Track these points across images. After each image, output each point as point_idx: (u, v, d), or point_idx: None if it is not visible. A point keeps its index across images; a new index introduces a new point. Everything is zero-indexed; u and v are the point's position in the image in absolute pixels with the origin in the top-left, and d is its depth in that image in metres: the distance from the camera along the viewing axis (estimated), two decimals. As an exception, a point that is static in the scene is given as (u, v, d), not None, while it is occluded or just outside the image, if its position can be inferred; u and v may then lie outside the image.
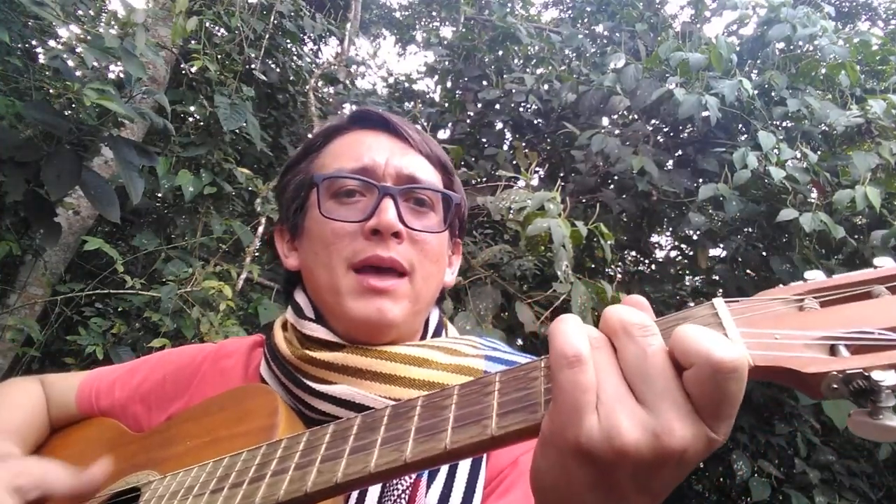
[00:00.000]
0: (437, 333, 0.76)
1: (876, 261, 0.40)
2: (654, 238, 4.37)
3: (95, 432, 0.80)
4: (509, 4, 4.79)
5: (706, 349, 0.34)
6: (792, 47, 3.43)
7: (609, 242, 2.41)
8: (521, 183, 2.87)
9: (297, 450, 0.50)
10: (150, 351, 2.40)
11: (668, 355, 0.36)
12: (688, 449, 0.34)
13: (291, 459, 0.49)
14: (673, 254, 4.38)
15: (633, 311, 0.38)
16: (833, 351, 0.35)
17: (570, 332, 0.38)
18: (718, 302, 0.40)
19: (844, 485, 2.97)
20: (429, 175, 0.72)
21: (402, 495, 0.59)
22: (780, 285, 0.42)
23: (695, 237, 3.73)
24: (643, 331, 0.37)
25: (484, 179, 3.72)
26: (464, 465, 0.62)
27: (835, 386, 0.34)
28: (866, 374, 0.33)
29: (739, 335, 0.37)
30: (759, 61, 3.74)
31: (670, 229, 4.09)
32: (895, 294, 0.37)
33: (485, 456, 0.63)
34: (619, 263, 4.35)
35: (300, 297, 0.73)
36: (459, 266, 0.84)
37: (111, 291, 2.53)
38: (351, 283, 0.66)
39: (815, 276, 0.41)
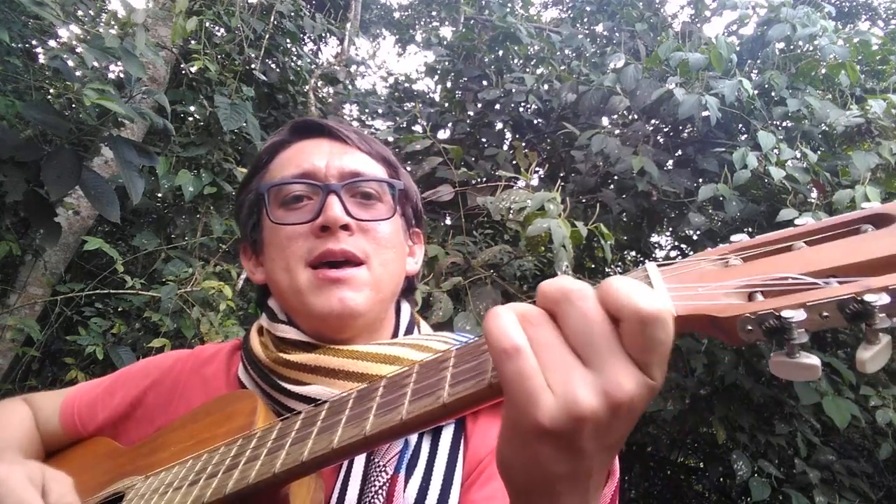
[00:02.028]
0: (409, 330, 0.77)
1: (797, 220, 0.42)
2: (654, 238, 4.37)
3: (88, 450, 0.82)
4: (509, 4, 4.79)
5: (633, 301, 0.36)
6: (792, 47, 3.43)
7: (609, 242, 2.41)
8: (521, 183, 2.87)
9: (270, 438, 0.52)
10: (150, 351, 2.40)
11: (606, 314, 0.37)
12: (633, 398, 0.36)
13: (264, 447, 0.52)
14: (673, 254, 4.37)
15: (568, 280, 0.39)
16: (751, 298, 0.37)
17: (503, 324, 0.38)
18: (650, 265, 0.42)
19: (844, 485, 2.97)
20: (371, 169, 0.75)
21: (380, 491, 0.60)
22: (708, 248, 0.44)
23: (695, 237, 3.73)
24: (581, 294, 0.38)
25: (484, 179, 3.72)
26: (441, 458, 0.64)
27: (749, 328, 0.35)
28: (777, 313, 0.34)
29: (666, 290, 0.39)
30: (759, 61, 3.74)
31: (670, 229, 4.09)
32: (812, 246, 0.39)
33: (461, 448, 0.65)
34: (619, 263, 4.35)
35: (273, 303, 0.75)
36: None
37: (111, 291, 2.52)
38: (309, 278, 0.68)
39: (741, 238, 0.43)
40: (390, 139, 3.61)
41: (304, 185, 0.71)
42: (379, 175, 0.75)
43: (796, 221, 0.42)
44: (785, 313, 0.34)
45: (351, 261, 0.68)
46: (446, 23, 6.65)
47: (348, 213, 0.68)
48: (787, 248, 0.40)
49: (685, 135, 3.94)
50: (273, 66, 3.72)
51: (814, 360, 0.35)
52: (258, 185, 0.75)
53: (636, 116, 3.82)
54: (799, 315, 0.33)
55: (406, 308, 0.79)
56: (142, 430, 0.78)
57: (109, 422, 0.81)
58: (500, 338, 0.38)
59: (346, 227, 0.68)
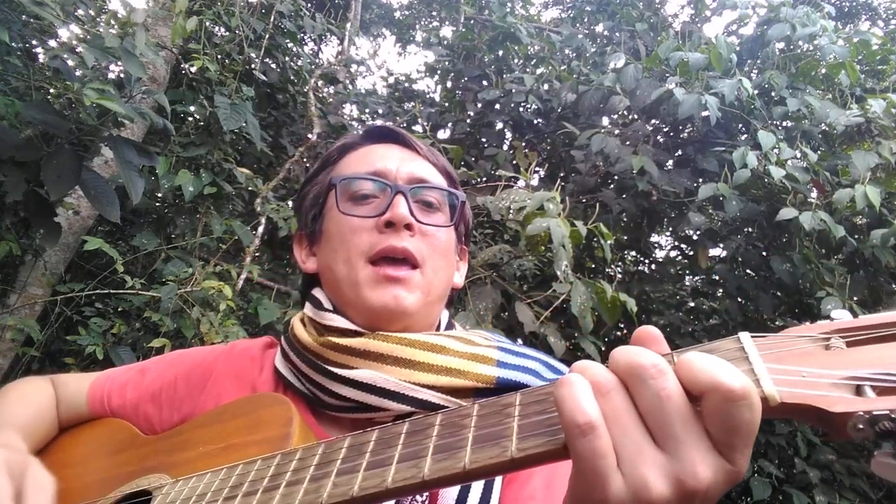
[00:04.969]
0: (448, 329, 0.80)
1: None
2: (654, 238, 4.37)
3: (105, 432, 0.79)
4: (509, 4, 4.78)
5: (716, 377, 0.34)
6: (792, 47, 3.43)
7: (609, 242, 2.41)
8: (521, 183, 2.87)
9: (313, 462, 0.50)
10: (150, 351, 2.40)
11: (683, 393, 0.36)
12: (710, 487, 0.34)
13: (307, 471, 0.49)
14: (673, 254, 4.38)
15: (642, 352, 0.37)
16: (859, 391, 0.35)
17: (578, 397, 0.36)
18: (744, 336, 0.40)
19: (844, 484, 2.97)
20: (436, 179, 0.79)
21: None
22: (807, 323, 0.42)
23: (695, 237, 3.73)
24: (655, 372, 0.36)
25: (484, 179, 3.72)
26: None
27: (860, 426, 0.34)
28: (893, 416, 0.33)
29: (766, 371, 0.37)
30: (759, 61, 3.74)
31: (670, 229, 4.09)
32: None
33: None
34: (619, 263, 4.35)
35: (318, 293, 0.77)
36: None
37: (111, 291, 2.52)
38: (368, 275, 0.70)
39: (842, 316, 0.41)
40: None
41: (374, 182, 0.74)
42: (443, 185, 0.79)
43: None
44: None
45: (408, 261, 0.71)
46: (446, 23, 6.65)
47: (413, 215, 0.72)
48: (892, 336, 0.37)
49: (685, 134, 3.95)
50: (273, 66, 3.72)
51: None
52: (328, 178, 0.79)
53: (636, 116, 3.82)
54: None
55: (445, 313, 0.82)
56: (164, 416, 0.78)
57: (135, 402, 0.80)
58: (574, 411, 0.36)
59: (409, 227, 0.71)
